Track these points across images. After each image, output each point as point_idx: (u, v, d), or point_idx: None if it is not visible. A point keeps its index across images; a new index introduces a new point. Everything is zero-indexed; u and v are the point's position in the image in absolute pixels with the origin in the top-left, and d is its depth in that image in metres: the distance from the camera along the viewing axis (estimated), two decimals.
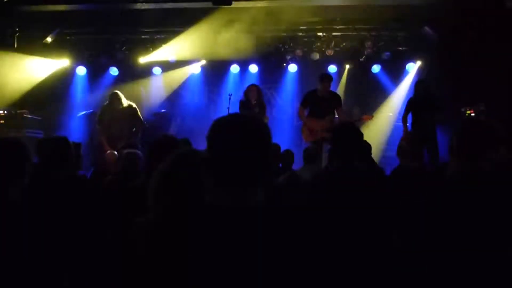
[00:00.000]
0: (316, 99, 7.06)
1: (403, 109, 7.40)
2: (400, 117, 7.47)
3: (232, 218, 1.46)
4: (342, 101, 7.35)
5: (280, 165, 5.40)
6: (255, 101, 7.03)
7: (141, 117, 7.34)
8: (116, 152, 6.01)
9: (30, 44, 8.72)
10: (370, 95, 9.37)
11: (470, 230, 2.66)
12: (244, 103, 7.08)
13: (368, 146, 5.06)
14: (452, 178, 2.92)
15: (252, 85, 7.27)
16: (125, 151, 4.58)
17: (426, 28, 8.53)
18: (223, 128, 1.54)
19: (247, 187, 1.50)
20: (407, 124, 7.09)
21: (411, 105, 7.03)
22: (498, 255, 2.62)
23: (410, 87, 9.20)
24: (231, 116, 1.60)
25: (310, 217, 2.77)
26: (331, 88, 7.22)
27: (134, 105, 7.23)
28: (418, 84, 7.13)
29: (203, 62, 9.65)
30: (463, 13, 7.19)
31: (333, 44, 8.86)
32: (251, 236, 1.44)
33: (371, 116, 7.53)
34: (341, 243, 2.86)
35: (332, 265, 1.76)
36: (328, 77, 7.13)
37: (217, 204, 1.50)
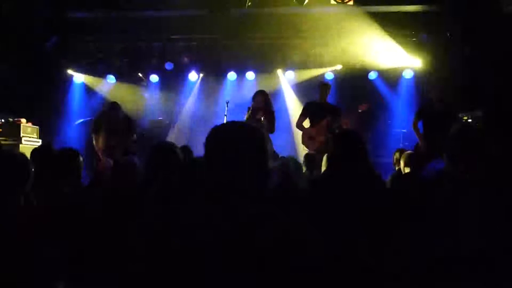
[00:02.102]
0: (316, 109, 7.11)
1: (400, 116, 7.36)
2: (398, 124, 7.41)
3: (229, 225, 1.47)
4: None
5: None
6: (259, 107, 7.03)
7: (135, 128, 7.40)
8: (111, 161, 5.99)
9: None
10: (367, 102, 9.35)
11: (465, 234, 2.66)
12: (249, 109, 7.11)
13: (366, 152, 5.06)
14: (447, 183, 2.92)
15: (258, 91, 7.28)
16: (121, 159, 4.57)
17: (423, 35, 8.55)
18: (219, 137, 1.57)
19: (244, 194, 1.52)
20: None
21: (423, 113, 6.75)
22: (494, 259, 2.63)
23: (407, 93, 9.23)
24: (227, 124, 1.63)
25: (308, 221, 2.77)
26: (331, 95, 7.26)
27: (129, 115, 7.26)
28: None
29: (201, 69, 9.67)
30: (461, 19, 7.23)
31: (330, 50, 8.87)
32: (248, 243, 1.45)
33: (366, 105, 7.38)
34: (339, 246, 2.84)
35: (329, 268, 1.80)
36: (325, 84, 7.18)
37: (214, 210, 1.51)
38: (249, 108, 7.14)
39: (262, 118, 6.88)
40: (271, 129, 7.01)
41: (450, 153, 2.83)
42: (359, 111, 7.38)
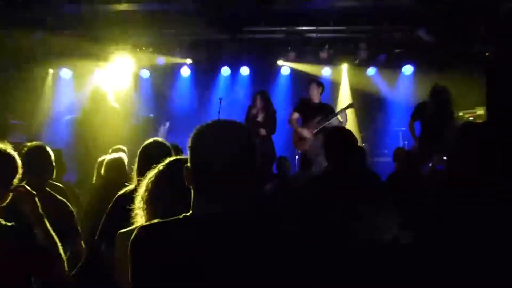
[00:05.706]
0: (308, 107, 7.05)
1: (400, 113, 7.26)
2: (397, 122, 7.31)
3: (214, 229, 1.45)
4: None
5: (276, 171, 5.47)
6: (259, 107, 7.03)
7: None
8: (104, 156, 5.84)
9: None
10: (365, 99, 9.22)
11: (462, 236, 2.55)
12: (249, 109, 7.14)
13: (362, 151, 5.04)
14: (449, 183, 2.86)
15: (258, 93, 7.26)
16: (110, 156, 4.45)
17: (421, 31, 8.41)
18: (203, 137, 1.52)
19: (230, 197, 1.49)
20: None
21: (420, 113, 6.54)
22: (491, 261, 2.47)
23: (406, 90, 9.11)
24: (211, 123, 1.55)
25: (299, 223, 2.76)
26: (325, 93, 7.17)
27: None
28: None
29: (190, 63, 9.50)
30: (458, 16, 7.12)
31: (327, 46, 8.73)
32: (236, 247, 1.43)
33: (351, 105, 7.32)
34: (335, 247, 2.86)
35: (324, 271, 1.76)
36: (315, 83, 7.10)
37: (199, 214, 1.49)
38: (249, 106, 7.12)
39: (261, 119, 6.95)
40: (272, 130, 7.00)
41: (453, 152, 2.78)
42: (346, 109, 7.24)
